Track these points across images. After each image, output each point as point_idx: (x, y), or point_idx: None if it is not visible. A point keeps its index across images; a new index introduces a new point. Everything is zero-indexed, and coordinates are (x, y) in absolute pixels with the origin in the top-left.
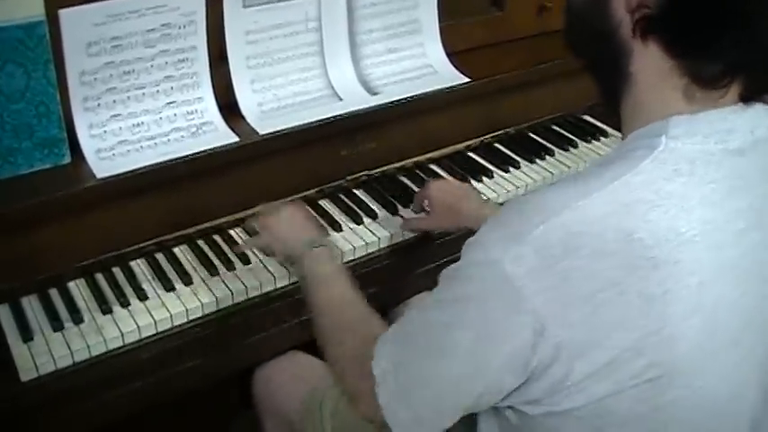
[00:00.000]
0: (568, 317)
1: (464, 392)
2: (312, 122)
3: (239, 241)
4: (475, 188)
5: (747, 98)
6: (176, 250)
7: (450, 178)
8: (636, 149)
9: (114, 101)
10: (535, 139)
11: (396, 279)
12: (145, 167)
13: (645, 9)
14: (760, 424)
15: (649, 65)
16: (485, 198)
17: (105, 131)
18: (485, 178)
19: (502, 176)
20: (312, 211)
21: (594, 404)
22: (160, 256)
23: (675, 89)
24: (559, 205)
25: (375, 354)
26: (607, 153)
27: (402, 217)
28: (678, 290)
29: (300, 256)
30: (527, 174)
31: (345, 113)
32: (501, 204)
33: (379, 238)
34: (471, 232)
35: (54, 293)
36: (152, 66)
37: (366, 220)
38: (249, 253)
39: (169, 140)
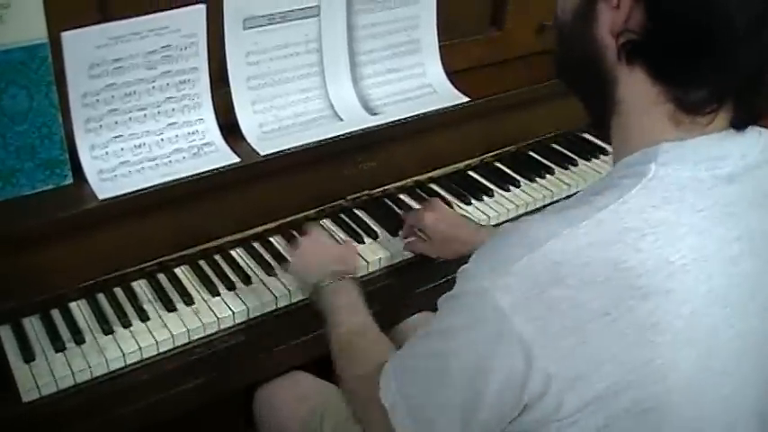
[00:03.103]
0: (557, 348)
1: (470, 418)
2: (313, 143)
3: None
4: (465, 215)
5: (738, 125)
6: (178, 270)
7: (442, 206)
8: (624, 177)
9: (116, 122)
10: (535, 158)
11: (396, 299)
12: (146, 188)
13: (629, 34)
14: None
15: (636, 91)
16: (481, 222)
17: (107, 152)
18: (485, 197)
19: (502, 195)
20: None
21: None
22: (161, 277)
23: (663, 115)
24: (545, 235)
25: (382, 384)
26: (595, 181)
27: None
28: (670, 320)
29: (320, 289)
30: (527, 192)
31: (346, 133)
32: (497, 226)
33: (380, 258)
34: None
35: (56, 314)
36: (153, 87)
37: (367, 239)
38: (251, 273)
39: (170, 161)
